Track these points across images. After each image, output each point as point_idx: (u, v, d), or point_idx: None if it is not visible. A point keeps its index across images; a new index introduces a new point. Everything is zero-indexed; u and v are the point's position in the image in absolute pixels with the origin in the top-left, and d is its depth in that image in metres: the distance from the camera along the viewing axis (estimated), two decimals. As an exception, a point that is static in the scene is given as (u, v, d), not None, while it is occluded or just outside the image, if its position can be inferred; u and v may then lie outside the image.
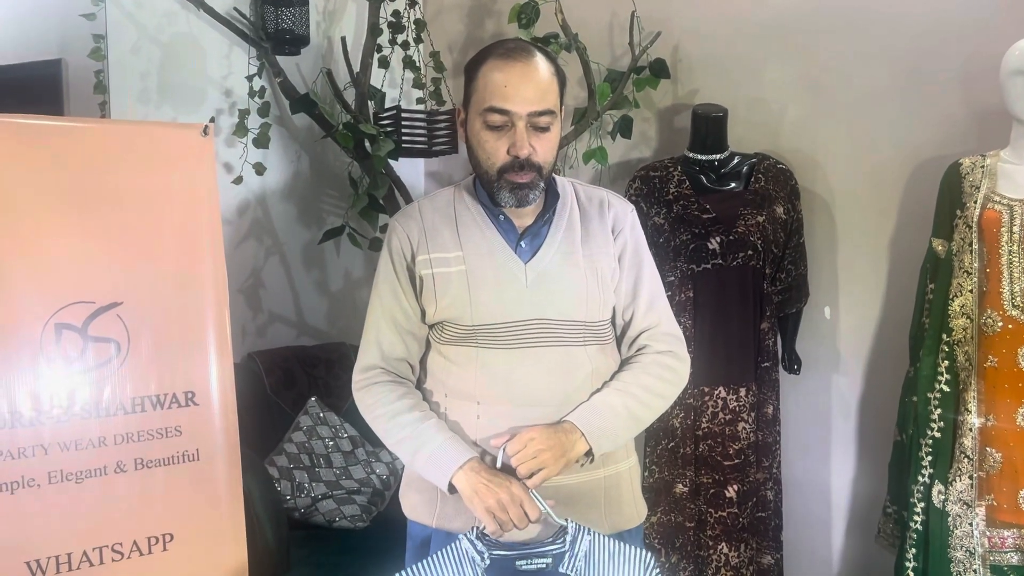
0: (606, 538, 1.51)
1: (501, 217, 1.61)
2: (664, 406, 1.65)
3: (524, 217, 1.62)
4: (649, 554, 1.52)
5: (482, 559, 1.47)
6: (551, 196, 1.63)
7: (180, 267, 1.96)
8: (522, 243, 1.60)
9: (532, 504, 1.48)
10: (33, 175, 1.80)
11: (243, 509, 2.00)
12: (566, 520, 1.50)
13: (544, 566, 1.49)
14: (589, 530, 1.50)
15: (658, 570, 1.52)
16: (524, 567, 1.49)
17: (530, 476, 1.49)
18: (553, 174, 1.63)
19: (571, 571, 1.48)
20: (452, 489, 1.52)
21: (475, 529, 1.49)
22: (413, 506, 1.67)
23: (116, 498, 1.85)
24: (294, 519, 2.54)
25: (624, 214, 1.69)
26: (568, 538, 1.49)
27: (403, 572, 1.50)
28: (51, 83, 2.77)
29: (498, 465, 1.51)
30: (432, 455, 1.54)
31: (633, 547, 1.52)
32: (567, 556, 1.48)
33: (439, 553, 1.49)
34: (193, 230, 1.98)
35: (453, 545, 1.49)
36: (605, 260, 1.63)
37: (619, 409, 1.58)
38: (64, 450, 1.81)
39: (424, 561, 1.50)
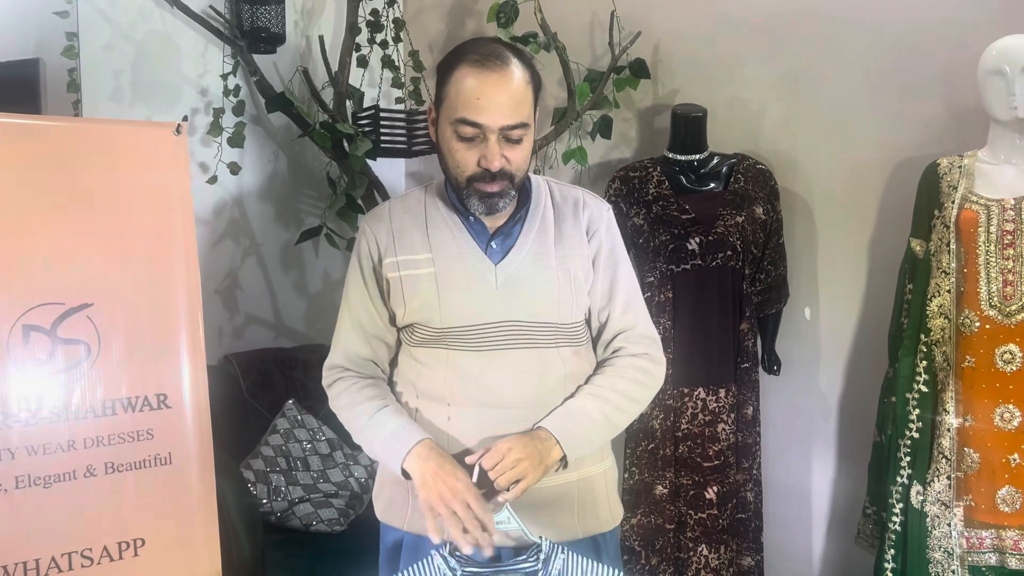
0: (580, 556, 1.49)
1: (471, 218, 1.58)
2: (639, 410, 1.64)
3: (496, 218, 1.58)
4: (622, 574, 1.50)
5: None
6: (523, 196, 1.60)
7: (152, 268, 1.93)
8: (493, 244, 1.58)
9: (479, 503, 1.43)
10: (2, 173, 1.76)
11: (216, 514, 1.97)
12: (540, 538, 1.47)
13: None
14: (563, 548, 1.48)
15: None
16: None
17: (508, 488, 1.44)
18: (529, 173, 1.61)
19: None
20: (407, 475, 1.50)
21: (448, 545, 1.46)
22: (385, 507, 1.65)
23: (86, 503, 1.82)
24: (270, 523, 2.52)
25: (600, 214, 1.65)
26: (542, 556, 1.46)
27: None
28: (29, 83, 2.74)
29: (474, 479, 1.46)
30: (386, 442, 1.53)
31: (606, 567, 1.50)
32: (540, 574, 1.46)
33: (410, 568, 1.46)
34: (166, 230, 1.96)
35: (425, 560, 1.46)
36: (578, 261, 1.60)
37: (594, 414, 1.55)
38: (32, 454, 1.77)
39: None
